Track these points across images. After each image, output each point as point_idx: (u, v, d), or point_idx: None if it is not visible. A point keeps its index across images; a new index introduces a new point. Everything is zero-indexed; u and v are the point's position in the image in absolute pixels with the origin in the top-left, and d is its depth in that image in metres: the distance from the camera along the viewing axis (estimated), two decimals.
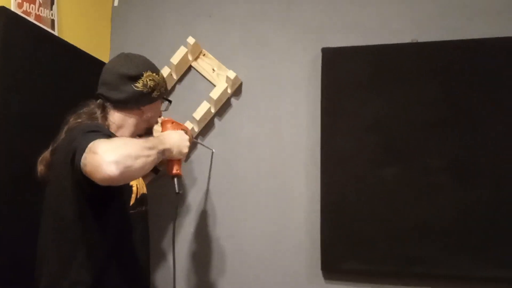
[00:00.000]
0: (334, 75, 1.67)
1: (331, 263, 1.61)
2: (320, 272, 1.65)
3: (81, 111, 1.26)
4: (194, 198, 1.85)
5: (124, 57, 1.31)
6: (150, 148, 1.10)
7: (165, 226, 1.86)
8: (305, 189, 1.72)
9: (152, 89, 1.30)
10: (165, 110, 1.46)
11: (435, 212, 1.52)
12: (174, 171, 1.37)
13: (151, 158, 1.07)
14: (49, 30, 1.59)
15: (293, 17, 1.82)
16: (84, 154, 0.97)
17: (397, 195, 1.56)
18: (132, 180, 1.10)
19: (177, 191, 1.37)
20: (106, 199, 1.15)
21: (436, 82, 1.58)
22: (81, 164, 0.98)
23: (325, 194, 1.63)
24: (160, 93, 1.34)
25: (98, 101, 1.28)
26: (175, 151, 1.29)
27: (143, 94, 1.28)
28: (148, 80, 1.28)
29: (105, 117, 1.26)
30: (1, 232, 1.32)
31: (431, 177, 1.54)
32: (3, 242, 1.32)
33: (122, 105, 1.27)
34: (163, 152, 1.21)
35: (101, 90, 1.29)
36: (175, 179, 1.38)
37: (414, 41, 1.64)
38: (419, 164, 1.56)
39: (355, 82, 1.65)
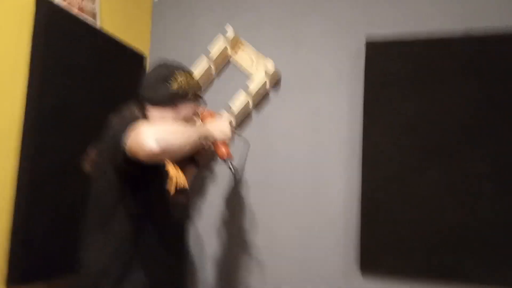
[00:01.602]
0: (378, 70, 1.60)
1: (371, 263, 1.57)
2: (358, 270, 1.60)
3: (123, 112, 1.33)
4: (225, 191, 1.83)
5: (161, 63, 1.43)
6: (191, 130, 1.18)
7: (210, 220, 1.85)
8: (343, 187, 1.66)
9: (186, 89, 1.38)
10: (201, 110, 1.51)
11: (475, 220, 1.45)
12: (224, 153, 1.43)
13: (192, 138, 1.14)
14: (91, 23, 1.60)
15: (335, 6, 1.75)
16: (128, 137, 1.05)
17: (437, 200, 1.50)
18: (174, 157, 1.13)
19: (232, 172, 1.44)
20: (144, 186, 1.20)
21: (488, 80, 1.48)
22: (125, 146, 1.05)
23: (365, 192, 1.57)
24: (194, 94, 1.41)
25: (138, 101, 1.37)
26: (217, 133, 1.39)
27: (178, 93, 1.36)
28: (182, 81, 1.37)
29: (144, 115, 1.34)
30: (36, 220, 1.36)
31: (472, 183, 1.47)
32: (37, 234, 1.36)
33: (159, 103, 1.35)
34: (206, 136, 1.29)
35: (141, 92, 1.39)
36: (228, 161, 1.44)
37: (467, 34, 1.52)
38: (461, 169, 1.49)
39: (400, 78, 1.57)
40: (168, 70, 1.38)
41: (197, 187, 1.82)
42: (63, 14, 1.45)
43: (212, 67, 1.85)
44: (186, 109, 1.39)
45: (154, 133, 1.02)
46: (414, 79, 1.55)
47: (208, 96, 1.85)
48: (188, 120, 1.41)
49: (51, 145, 1.39)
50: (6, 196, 1.30)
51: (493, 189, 1.44)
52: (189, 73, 1.42)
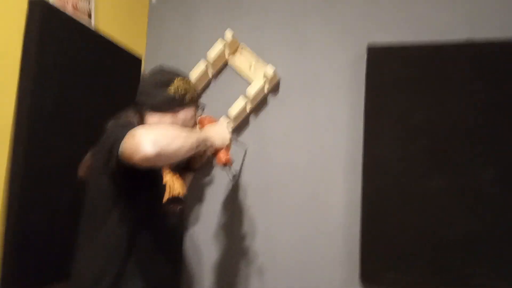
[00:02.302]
0: (380, 76, 1.58)
1: (372, 273, 1.54)
2: (358, 282, 1.57)
3: (119, 117, 1.31)
4: (223, 197, 1.79)
5: (157, 68, 1.42)
6: (189, 133, 1.15)
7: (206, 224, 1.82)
8: (343, 195, 1.64)
9: (184, 94, 1.36)
10: (200, 115, 1.49)
11: (485, 226, 1.43)
12: (224, 160, 1.40)
13: (189, 142, 1.11)
14: (86, 21, 1.56)
15: (336, 11, 1.72)
16: (123, 142, 1.03)
17: (444, 207, 1.47)
18: (170, 161, 1.10)
19: (231, 177, 1.38)
20: (138, 192, 1.18)
21: (491, 85, 1.47)
22: (120, 151, 1.03)
23: (366, 201, 1.55)
24: (192, 98, 1.40)
25: (135, 107, 1.35)
26: (217, 139, 1.36)
27: (176, 98, 1.34)
28: (179, 85, 1.35)
29: (142, 121, 1.32)
30: (29, 225, 1.32)
31: (481, 188, 1.44)
32: (30, 240, 1.32)
33: (157, 108, 1.33)
34: (204, 141, 1.26)
35: (138, 98, 1.36)
36: (227, 166, 1.42)
37: (470, 40, 1.50)
38: (469, 174, 1.46)
39: (402, 84, 1.55)
40: (166, 76, 1.37)
41: (193, 193, 1.78)
42: (56, 14, 1.40)
43: (210, 70, 1.81)
44: (184, 114, 1.37)
45: (150, 136, 1.00)
46: (416, 85, 1.53)
47: (205, 99, 1.81)
48: (187, 125, 1.39)
49: (43, 148, 1.35)
50: None
51: (501, 194, 1.41)
52: (187, 78, 1.41)
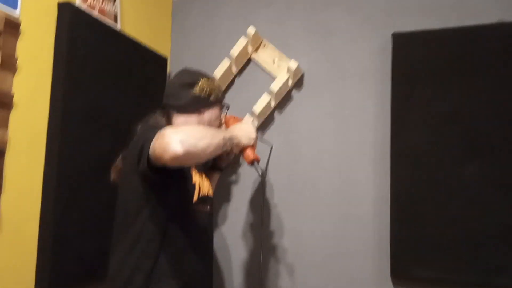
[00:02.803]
0: (406, 63, 1.53)
1: (403, 269, 1.48)
2: (389, 278, 1.53)
3: (147, 119, 1.36)
4: (250, 195, 1.79)
5: (182, 70, 1.46)
6: (215, 133, 1.18)
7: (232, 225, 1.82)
8: (372, 188, 1.60)
9: (209, 94, 1.39)
10: (225, 115, 1.51)
11: None
12: (251, 157, 1.41)
13: (216, 141, 1.14)
14: (112, 23, 1.60)
15: (358, 0, 1.69)
16: (152, 142, 1.06)
17: (479, 196, 1.40)
18: (199, 160, 1.13)
19: (260, 174, 1.39)
20: (168, 192, 1.20)
21: None
22: (150, 151, 1.06)
23: (395, 193, 1.50)
24: (217, 98, 1.42)
25: (163, 109, 1.39)
26: (243, 137, 1.37)
27: (201, 98, 1.37)
28: (204, 85, 1.38)
29: (169, 122, 1.36)
30: (64, 226, 1.35)
31: None
32: (65, 241, 1.36)
33: (183, 109, 1.36)
34: (231, 139, 1.27)
35: (165, 100, 1.40)
36: (255, 164, 1.42)
37: (501, 22, 1.44)
38: (505, 160, 1.38)
39: (430, 70, 1.50)
40: (191, 76, 1.40)
41: (221, 192, 1.79)
42: (85, 17, 1.45)
43: (233, 67, 1.82)
44: (210, 114, 1.40)
45: (178, 135, 1.02)
46: (444, 71, 1.48)
47: (229, 96, 1.82)
48: (212, 125, 1.41)
49: (76, 149, 1.39)
50: (34, 201, 1.31)
51: None
52: (211, 79, 1.44)
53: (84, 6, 1.47)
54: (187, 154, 1.02)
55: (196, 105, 1.37)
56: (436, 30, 1.51)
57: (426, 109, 1.49)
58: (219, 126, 1.49)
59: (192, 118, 1.37)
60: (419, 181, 1.47)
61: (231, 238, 1.80)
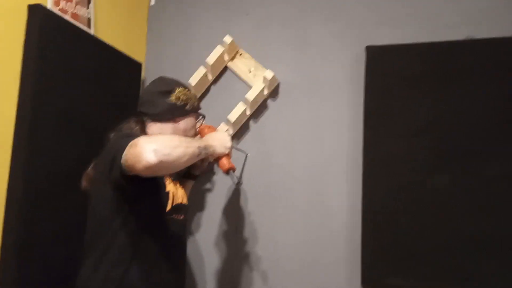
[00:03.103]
0: (379, 75, 1.57)
1: (373, 278, 1.50)
2: (360, 287, 1.54)
3: (121, 127, 1.34)
4: (224, 204, 1.78)
5: (158, 79, 1.45)
6: (190, 142, 1.17)
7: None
8: (345, 197, 1.62)
9: (185, 103, 1.38)
10: (198, 127, 1.51)
11: (494, 225, 1.39)
12: (227, 166, 1.41)
13: (190, 150, 1.13)
14: (85, 28, 1.57)
15: (335, 13, 1.72)
16: (125, 151, 1.05)
17: (450, 206, 1.44)
18: (172, 169, 1.14)
19: (236, 182, 1.41)
20: (140, 201, 1.19)
21: (494, 81, 1.45)
22: (122, 161, 1.05)
23: (367, 203, 1.52)
24: (193, 107, 1.42)
25: (137, 117, 1.38)
26: (218, 146, 1.36)
27: (177, 107, 1.37)
28: (180, 94, 1.37)
29: (143, 130, 1.35)
30: (36, 230, 1.31)
31: (489, 186, 1.41)
32: (38, 240, 1.32)
33: (158, 117, 1.35)
34: (206, 148, 1.26)
35: (139, 108, 1.39)
36: (231, 172, 1.42)
37: (470, 38, 1.50)
38: (475, 171, 1.43)
39: (402, 82, 1.54)
40: (167, 85, 1.39)
41: (195, 200, 1.77)
42: (56, 20, 1.42)
43: (209, 75, 1.82)
44: (185, 123, 1.40)
45: (152, 145, 1.01)
46: (416, 83, 1.51)
47: (205, 104, 1.81)
48: (187, 135, 1.41)
49: (44, 155, 1.35)
50: None
51: (507, 191, 1.38)
52: (187, 88, 1.43)
53: (55, 10, 1.43)
54: (161, 164, 1.01)
55: (171, 114, 1.36)
56: (408, 45, 1.55)
57: (398, 120, 1.52)
58: (194, 135, 1.48)
59: (167, 126, 1.36)
60: (390, 190, 1.50)
61: (205, 246, 1.78)
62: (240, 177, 1.68)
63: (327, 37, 1.72)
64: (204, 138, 1.40)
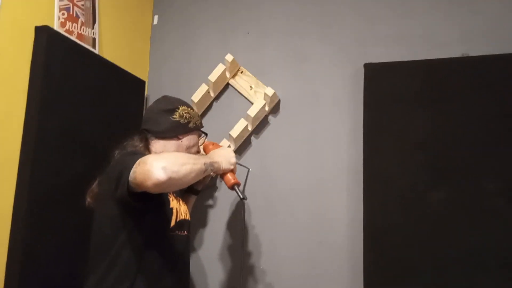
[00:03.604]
0: (377, 92, 1.59)
1: None
2: None
3: (125, 145, 1.36)
4: (227, 218, 1.80)
5: (162, 97, 1.48)
6: (196, 159, 1.21)
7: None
8: (346, 211, 1.63)
9: (188, 121, 1.42)
10: (201, 144, 1.55)
11: (489, 240, 1.40)
12: (232, 181, 1.43)
13: (197, 166, 1.16)
14: (91, 48, 1.61)
15: (333, 30, 1.77)
16: (133, 169, 1.07)
17: (447, 221, 1.45)
18: (181, 186, 1.16)
19: (241, 198, 1.44)
20: (145, 217, 1.21)
21: (489, 98, 1.47)
22: (130, 178, 1.07)
23: (368, 217, 1.53)
24: (195, 125, 1.45)
25: (141, 135, 1.41)
26: (223, 162, 1.39)
27: (180, 124, 1.40)
28: (183, 112, 1.41)
29: (147, 147, 1.37)
30: (40, 246, 1.33)
31: (485, 201, 1.42)
32: (42, 255, 1.33)
33: (162, 135, 1.38)
34: (211, 164, 1.30)
35: (143, 126, 1.42)
36: (236, 188, 1.44)
37: (465, 55, 1.53)
38: (472, 187, 1.44)
39: (400, 99, 1.56)
40: (170, 103, 1.43)
41: (197, 215, 1.79)
42: (62, 40, 1.45)
43: (211, 92, 1.85)
44: (188, 141, 1.43)
45: (160, 162, 1.04)
46: (413, 100, 1.54)
47: (206, 119, 1.85)
48: (190, 152, 1.43)
49: (50, 172, 1.37)
50: (3, 226, 1.27)
51: (503, 206, 1.39)
52: (189, 106, 1.47)
53: (62, 30, 1.48)
54: (170, 181, 1.04)
55: (174, 131, 1.39)
56: (405, 62, 1.58)
57: (397, 136, 1.54)
58: (197, 152, 1.51)
59: (171, 143, 1.39)
60: (391, 205, 1.51)
61: (208, 262, 1.79)
62: (243, 192, 1.71)
63: (326, 55, 1.76)
64: (209, 154, 1.43)
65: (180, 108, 1.41)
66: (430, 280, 1.44)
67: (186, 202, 1.50)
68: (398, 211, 1.50)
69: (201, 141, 1.52)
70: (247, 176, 1.79)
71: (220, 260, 1.78)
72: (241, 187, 1.68)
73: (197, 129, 1.48)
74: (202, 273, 1.79)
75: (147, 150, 1.36)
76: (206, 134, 1.55)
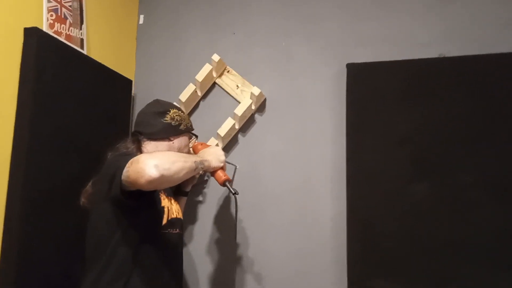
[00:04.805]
0: (359, 91, 1.66)
1: (358, 281, 1.57)
2: None
3: (118, 146, 1.40)
4: (215, 215, 1.84)
5: (154, 101, 1.54)
6: (187, 157, 1.26)
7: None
8: (331, 206, 1.70)
9: (179, 123, 1.48)
10: (191, 146, 1.60)
11: (470, 230, 1.47)
12: (223, 178, 1.49)
13: (188, 164, 1.21)
14: (79, 49, 1.62)
15: (317, 31, 1.82)
16: (126, 168, 1.11)
17: (428, 213, 1.52)
18: (172, 183, 1.20)
19: (233, 193, 1.49)
20: (138, 215, 1.24)
21: (466, 96, 1.54)
22: (124, 177, 1.11)
23: (351, 211, 1.60)
24: (186, 127, 1.51)
25: (133, 137, 1.45)
26: (213, 160, 1.45)
27: (171, 126, 1.46)
28: (175, 115, 1.47)
29: (139, 149, 1.41)
30: (34, 246, 1.34)
31: (464, 193, 1.49)
32: (37, 256, 1.35)
33: (154, 136, 1.44)
34: (202, 162, 1.35)
35: (135, 128, 1.48)
36: (227, 184, 1.50)
37: (442, 56, 1.62)
38: (451, 180, 1.51)
39: (381, 98, 1.63)
40: (162, 106, 1.48)
41: (188, 212, 1.83)
42: (51, 42, 1.46)
43: (198, 91, 1.88)
44: (179, 141, 1.49)
45: (153, 160, 1.09)
46: (394, 98, 1.61)
47: (194, 118, 1.88)
48: (182, 151, 1.48)
49: (41, 170, 1.39)
50: None
51: (481, 198, 1.47)
52: (180, 109, 1.53)
53: (50, 32, 1.48)
54: (162, 178, 1.09)
55: (166, 133, 1.44)
56: (385, 62, 1.65)
57: (378, 133, 1.61)
58: (188, 153, 1.55)
59: (162, 144, 1.44)
60: (373, 199, 1.58)
61: (200, 258, 1.83)
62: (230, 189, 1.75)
63: (310, 55, 1.81)
64: (199, 153, 1.48)
65: (172, 111, 1.47)
66: (413, 270, 1.50)
67: (177, 202, 1.54)
68: (381, 204, 1.57)
69: (191, 143, 1.56)
70: (234, 173, 1.83)
71: (211, 256, 1.82)
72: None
73: (188, 131, 1.53)
74: (194, 269, 1.83)
75: (139, 152, 1.40)
76: (196, 136, 1.59)
